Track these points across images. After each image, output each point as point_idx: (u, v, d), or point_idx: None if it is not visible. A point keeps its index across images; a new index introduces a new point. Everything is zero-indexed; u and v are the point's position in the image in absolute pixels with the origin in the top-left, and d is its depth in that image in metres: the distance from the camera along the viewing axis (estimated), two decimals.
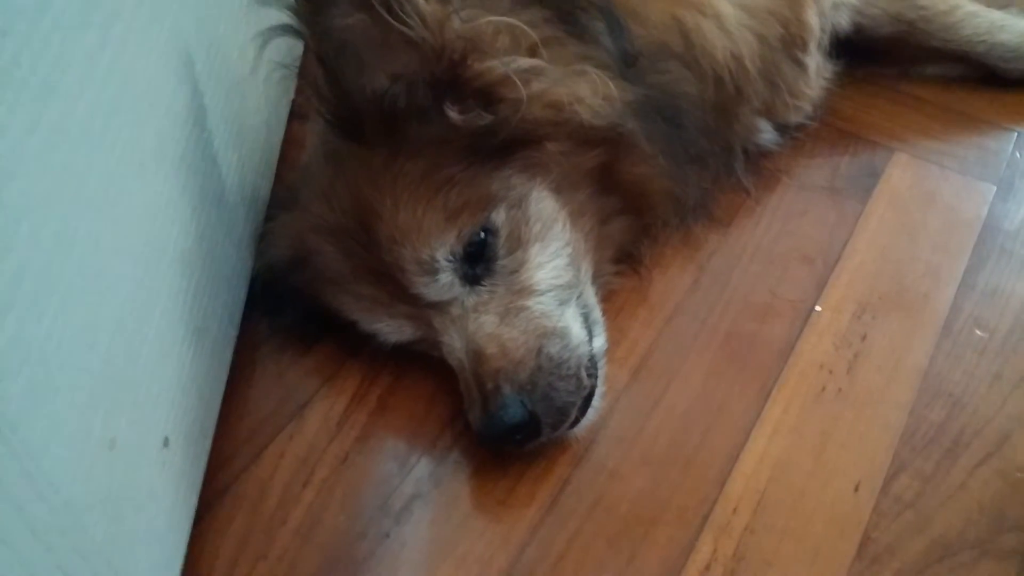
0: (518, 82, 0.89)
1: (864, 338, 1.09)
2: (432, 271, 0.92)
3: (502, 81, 0.90)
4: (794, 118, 1.28)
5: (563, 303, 0.96)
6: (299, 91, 1.22)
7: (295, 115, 1.27)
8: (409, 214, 0.90)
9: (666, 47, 1.08)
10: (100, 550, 0.64)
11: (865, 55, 1.35)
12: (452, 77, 0.89)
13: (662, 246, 1.16)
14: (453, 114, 0.91)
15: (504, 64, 0.89)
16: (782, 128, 1.28)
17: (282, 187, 1.15)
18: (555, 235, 0.96)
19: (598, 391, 0.98)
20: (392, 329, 0.98)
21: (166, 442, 0.77)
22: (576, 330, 0.96)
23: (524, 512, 0.94)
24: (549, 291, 0.95)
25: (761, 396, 1.03)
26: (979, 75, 1.39)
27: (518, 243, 0.94)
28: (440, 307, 0.94)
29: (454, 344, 0.94)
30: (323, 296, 1.00)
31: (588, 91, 0.95)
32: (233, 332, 1.00)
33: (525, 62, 0.90)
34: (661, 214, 1.11)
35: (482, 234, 0.93)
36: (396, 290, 0.94)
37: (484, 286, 0.94)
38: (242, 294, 1.02)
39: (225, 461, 0.96)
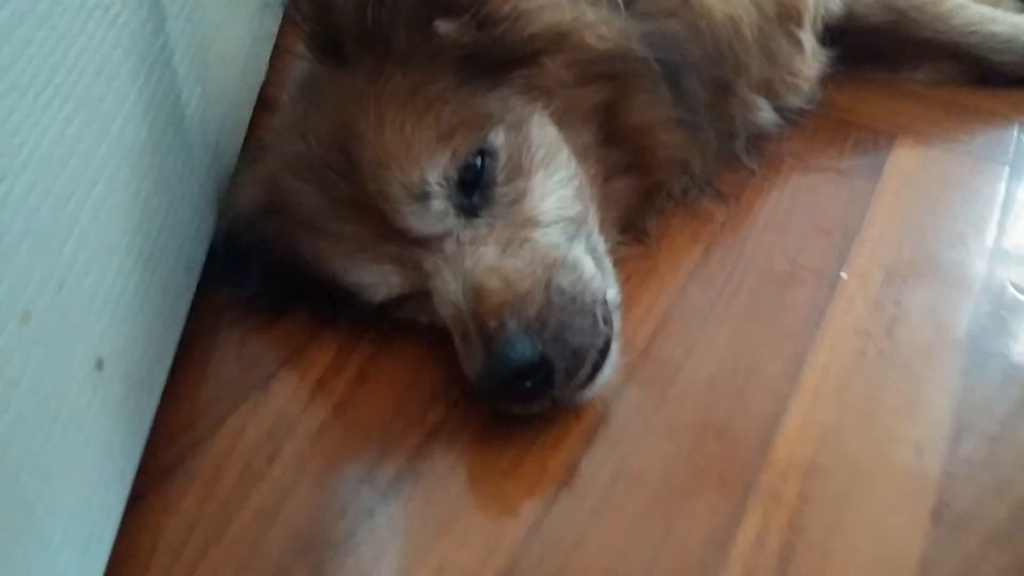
0: None
1: (898, 303, 0.98)
2: (422, 197, 0.79)
3: None
4: (793, 99, 1.21)
5: (572, 238, 0.84)
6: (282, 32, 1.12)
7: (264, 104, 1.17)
8: (396, 132, 0.78)
9: (663, 4, 1.00)
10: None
11: (859, 50, 1.31)
12: None
13: (668, 218, 1.06)
14: (444, 28, 0.81)
15: None
16: (781, 110, 1.21)
17: (254, 143, 1.03)
18: (560, 163, 0.85)
19: (614, 344, 0.84)
20: (376, 278, 0.84)
21: (99, 364, 0.62)
22: (588, 264, 0.83)
23: (534, 485, 0.78)
24: (556, 222, 0.83)
25: (794, 360, 0.91)
26: (974, 75, 1.34)
27: (519, 170, 0.83)
28: (432, 243, 0.81)
29: (448, 286, 0.80)
30: (297, 245, 0.86)
31: (592, 14, 0.87)
32: (189, 285, 0.85)
33: None
34: (666, 176, 1.01)
35: (479, 158, 0.81)
36: (381, 226, 0.81)
37: (482, 218, 0.82)
38: (202, 247, 0.88)
39: (174, 434, 0.80)
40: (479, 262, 0.79)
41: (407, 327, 0.91)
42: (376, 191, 0.79)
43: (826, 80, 1.25)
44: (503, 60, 0.82)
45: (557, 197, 0.84)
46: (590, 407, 0.85)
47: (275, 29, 1.16)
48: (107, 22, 0.64)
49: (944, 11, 1.30)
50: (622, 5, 0.91)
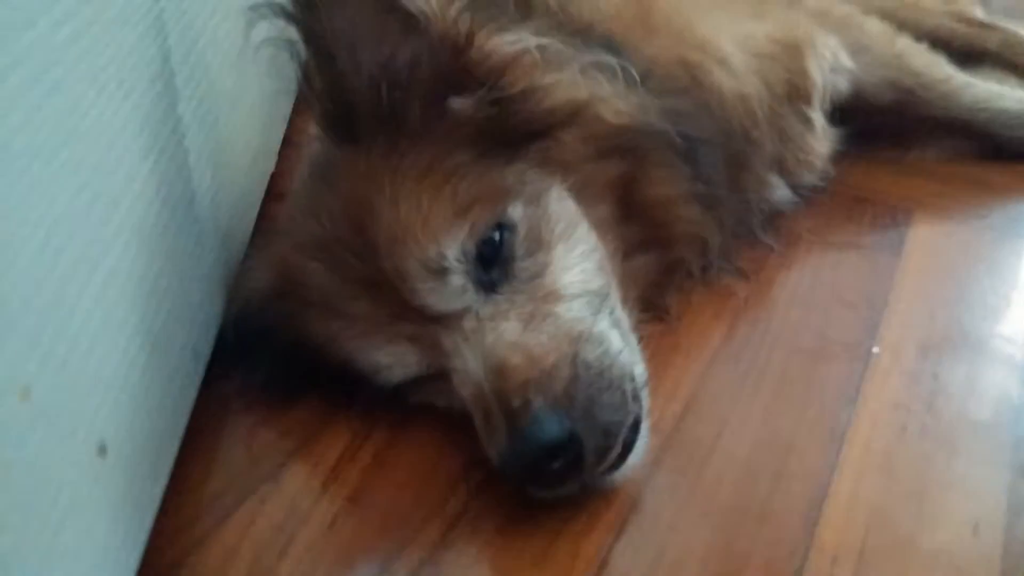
0: (531, 60, 0.79)
1: (936, 377, 0.94)
2: (440, 273, 0.76)
3: (513, 62, 0.80)
4: (806, 177, 1.20)
5: (596, 312, 0.80)
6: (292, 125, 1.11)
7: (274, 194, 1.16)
8: (411, 207, 0.76)
9: (673, 80, 1.00)
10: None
11: (869, 129, 1.30)
12: (456, 61, 0.79)
13: (689, 296, 1.03)
14: (458, 104, 0.80)
15: (514, 42, 0.80)
16: (795, 188, 1.20)
17: (264, 231, 1.01)
18: (581, 236, 0.83)
19: (644, 423, 0.80)
20: (392, 359, 0.80)
21: (102, 450, 0.58)
22: (615, 338, 0.79)
23: (567, 575, 0.73)
24: (579, 296, 0.80)
25: (833, 438, 0.86)
26: (985, 151, 1.34)
27: (539, 243, 0.80)
28: (450, 321, 0.78)
29: (468, 365, 0.77)
30: (310, 328, 0.83)
31: (608, 89, 0.86)
32: (197, 371, 0.81)
33: (536, 40, 0.81)
34: (685, 253, 0.99)
35: (497, 232, 0.78)
36: (397, 305, 0.78)
37: (502, 294, 0.79)
38: (210, 333, 0.85)
39: (179, 530, 0.75)
40: (500, 338, 0.76)
41: (424, 412, 0.87)
42: (392, 268, 0.76)
43: (838, 158, 1.24)
44: (519, 134, 0.81)
45: (580, 270, 0.81)
46: (620, 491, 0.80)
47: (286, 117, 1.16)
48: (120, 96, 0.62)
49: (952, 89, 1.30)
50: (637, 82, 0.90)
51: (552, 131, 0.82)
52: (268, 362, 0.86)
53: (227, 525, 0.76)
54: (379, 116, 0.78)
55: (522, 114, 0.80)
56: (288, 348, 0.85)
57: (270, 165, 1.08)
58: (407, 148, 0.78)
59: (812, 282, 1.09)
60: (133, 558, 0.65)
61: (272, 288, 0.85)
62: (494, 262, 0.78)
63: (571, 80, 0.85)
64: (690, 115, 0.97)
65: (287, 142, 1.21)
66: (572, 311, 0.79)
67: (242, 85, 0.97)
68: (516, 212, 0.79)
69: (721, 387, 0.93)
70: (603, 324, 0.79)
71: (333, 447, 0.84)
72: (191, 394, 0.80)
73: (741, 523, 0.78)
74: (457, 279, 0.77)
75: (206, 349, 0.84)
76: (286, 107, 1.17)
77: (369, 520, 0.77)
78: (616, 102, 0.86)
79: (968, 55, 1.44)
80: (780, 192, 1.18)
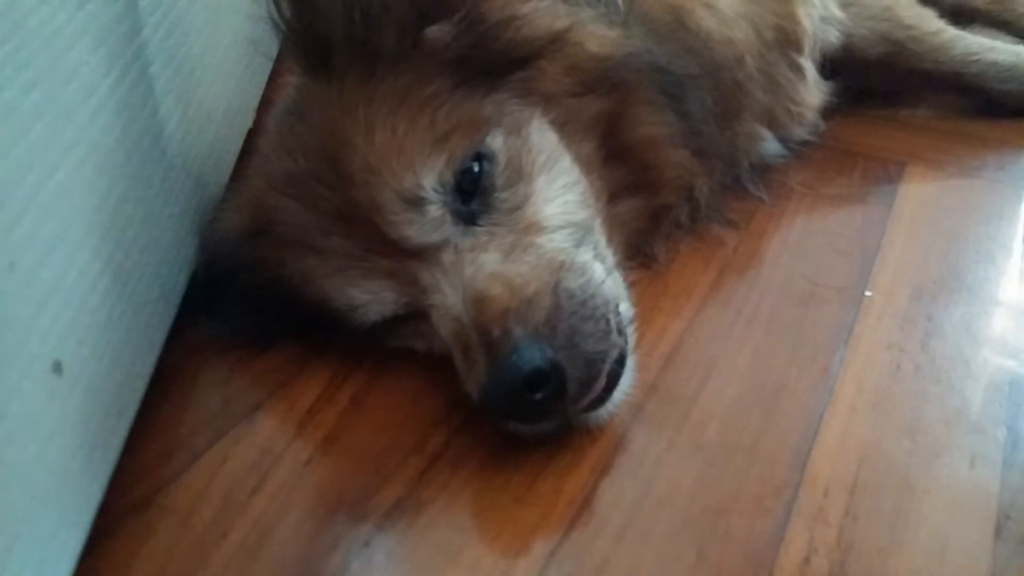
0: None
1: (930, 318, 0.92)
2: (417, 203, 0.74)
3: None
4: (797, 130, 1.18)
5: (579, 244, 0.78)
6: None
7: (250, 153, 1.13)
8: (387, 136, 0.74)
9: (658, 22, 0.98)
10: None
11: (859, 84, 1.28)
12: None
13: (677, 244, 1.01)
14: (435, 32, 0.78)
15: None
16: (785, 141, 1.17)
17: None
18: (563, 169, 0.80)
19: (630, 359, 0.78)
20: (369, 296, 0.78)
21: (57, 367, 0.55)
22: (598, 269, 0.77)
23: (549, 511, 0.70)
24: (561, 228, 0.77)
25: (825, 378, 0.84)
26: (978, 107, 1.32)
27: (519, 174, 0.77)
28: (428, 255, 0.75)
29: (447, 300, 0.74)
30: (284, 267, 0.80)
31: (590, 19, 0.84)
32: (167, 311, 0.79)
33: None
34: (672, 199, 0.96)
35: (476, 162, 0.76)
36: (373, 239, 0.75)
37: (481, 225, 0.76)
38: (181, 276, 0.82)
39: (148, 470, 0.72)
40: (480, 269, 0.73)
41: (403, 357, 0.84)
42: (367, 199, 0.74)
43: (829, 113, 1.22)
44: (499, 63, 0.78)
45: (562, 202, 0.79)
46: (606, 430, 0.78)
47: (266, 74, 1.13)
48: (73, 4, 0.59)
49: (942, 41, 1.28)
50: (622, 15, 0.88)
51: (532, 60, 0.79)
52: (242, 306, 0.84)
53: (198, 465, 0.73)
54: (353, 45, 0.76)
55: (500, 42, 0.78)
56: (262, 289, 0.82)
57: (246, 123, 1.06)
58: (382, 77, 0.75)
59: (803, 231, 1.06)
60: (95, 488, 0.62)
61: (245, 228, 0.83)
62: (473, 193, 0.76)
63: (551, 9, 0.83)
64: (676, 57, 0.95)
65: (267, 102, 1.19)
66: (554, 242, 0.76)
67: (216, 30, 0.95)
68: (496, 142, 0.77)
69: (710, 330, 0.90)
70: (586, 255, 0.77)
71: (309, 391, 0.81)
72: (160, 335, 0.77)
73: (730, 459, 0.75)
74: (434, 209, 0.74)
75: (177, 292, 0.81)
76: (266, 65, 1.14)
77: (346, 458, 0.74)
78: (599, 33, 0.84)
79: (958, 14, 1.42)
80: (770, 145, 1.15)
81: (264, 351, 0.86)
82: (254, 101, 1.10)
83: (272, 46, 1.06)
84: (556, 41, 0.80)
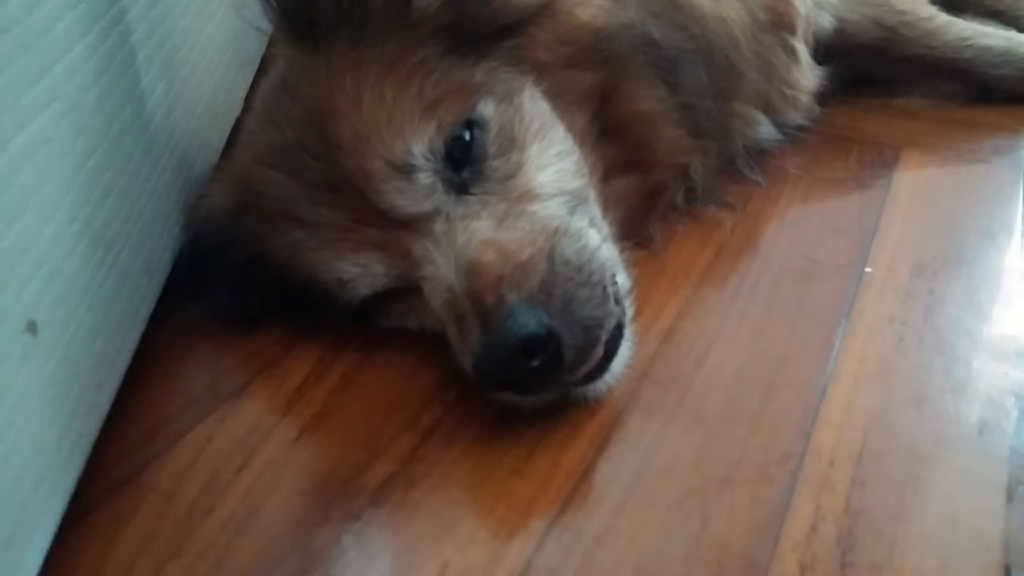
0: None
1: (932, 292, 0.90)
2: (406, 171, 0.72)
3: None
4: (791, 114, 1.16)
5: (573, 212, 0.76)
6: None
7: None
8: (375, 103, 0.72)
9: (652, 2, 0.97)
10: None
11: (853, 71, 1.27)
12: None
13: (673, 225, 0.99)
14: (423, 3, 0.76)
15: None
16: (780, 126, 1.16)
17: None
18: (556, 137, 0.79)
19: (628, 329, 0.76)
20: (358, 269, 0.76)
21: (32, 327, 0.53)
22: (594, 236, 0.75)
23: (547, 483, 0.68)
24: (555, 195, 0.76)
25: (826, 351, 0.82)
26: (972, 94, 1.30)
27: (512, 142, 0.76)
28: (419, 225, 0.73)
29: (439, 271, 0.72)
30: (271, 242, 0.78)
31: None
32: (150, 287, 0.76)
33: None
34: (666, 177, 0.95)
35: (467, 130, 0.74)
36: (361, 209, 0.74)
37: (474, 194, 0.74)
38: (166, 254, 0.80)
39: (131, 448, 0.70)
40: (472, 237, 0.71)
41: (395, 336, 0.82)
42: (355, 168, 0.72)
43: (824, 100, 1.21)
44: (488, 31, 0.77)
45: (555, 170, 0.77)
46: (604, 404, 0.75)
47: (254, 67, 1.12)
48: None
49: (935, 27, 1.27)
50: None
51: (522, 28, 0.78)
52: (229, 285, 0.82)
53: (182, 443, 0.71)
54: (340, 14, 0.74)
55: (489, 10, 0.76)
56: (249, 266, 0.80)
57: (234, 109, 1.04)
58: (369, 45, 0.74)
59: (800, 211, 1.05)
60: (73, 461, 0.60)
61: (230, 205, 0.81)
62: (464, 161, 0.74)
63: None
64: (669, 35, 0.94)
65: (253, 90, 1.17)
66: (548, 209, 0.74)
67: (202, 14, 0.93)
68: (487, 109, 0.75)
69: (708, 307, 0.88)
70: (581, 222, 0.75)
71: (298, 370, 0.79)
72: (143, 311, 0.75)
73: (732, 431, 0.73)
74: (425, 177, 0.72)
75: (161, 270, 0.79)
76: (253, 60, 1.13)
77: (337, 436, 0.72)
78: (591, 2, 0.82)
79: (949, 4, 1.41)
80: (765, 129, 1.14)
81: (251, 332, 0.83)
82: (241, 93, 1.09)
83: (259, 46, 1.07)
84: (546, 8, 0.79)
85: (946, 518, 0.65)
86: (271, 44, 0.98)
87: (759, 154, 1.13)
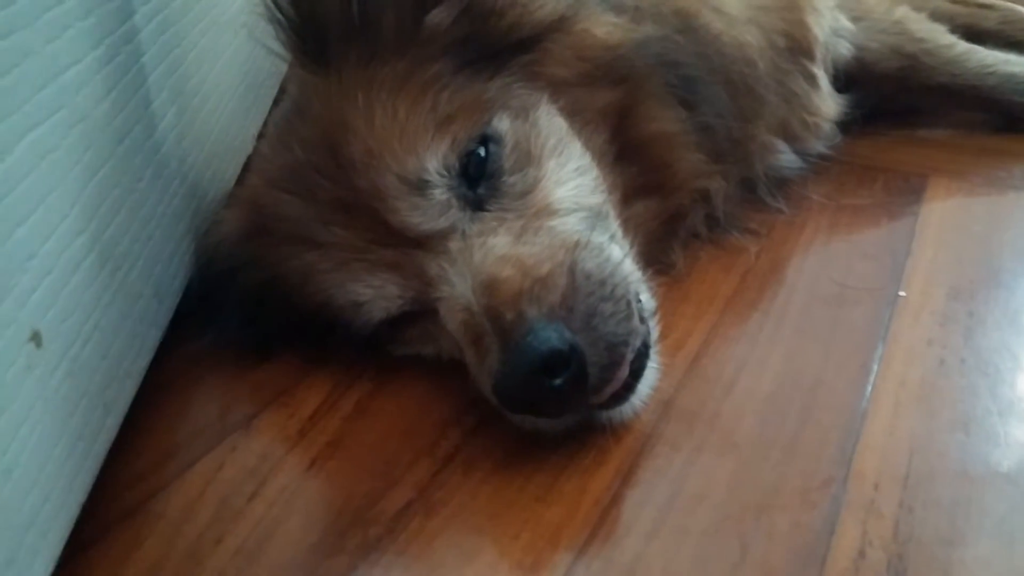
0: None
1: (971, 315, 0.86)
2: (420, 188, 0.70)
3: None
4: (813, 142, 1.14)
5: (593, 227, 0.73)
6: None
7: None
8: (388, 118, 0.70)
9: (667, 26, 0.96)
10: None
11: (874, 101, 1.25)
12: None
13: (695, 252, 0.96)
14: (435, 20, 0.75)
15: None
16: (802, 155, 1.14)
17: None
18: (573, 153, 0.77)
19: (653, 350, 0.72)
20: (373, 291, 0.73)
21: (36, 337, 0.50)
22: (615, 251, 0.72)
23: (574, 509, 0.64)
24: (574, 211, 0.73)
25: (864, 374, 0.79)
26: (996, 124, 1.28)
27: (528, 158, 0.74)
28: (434, 243, 0.71)
29: (455, 290, 0.69)
30: (283, 266, 0.76)
31: (596, 8, 0.81)
32: (159, 311, 0.74)
33: None
34: (686, 202, 0.92)
35: (482, 146, 0.72)
36: (375, 228, 0.71)
37: (490, 211, 0.72)
38: (176, 281, 0.78)
39: (140, 477, 0.67)
40: (489, 253, 0.69)
41: (409, 364, 0.79)
42: (368, 186, 0.70)
43: (846, 127, 1.19)
44: (502, 46, 0.75)
45: (574, 185, 0.75)
46: (631, 429, 0.72)
47: (268, 104, 1.11)
48: None
49: (956, 54, 1.25)
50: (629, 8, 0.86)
51: (536, 44, 0.77)
52: (241, 312, 0.79)
53: (192, 472, 0.68)
54: (351, 32, 0.73)
55: (502, 25, 0.75)
56: (262, 292, 0.78)
57: (246, 144, 1.03)
58: (381, 62, 0.72)
59: (828, 238, 1.02)
60: (78, 484, 0.57)
61: (242, 229, 0.79)
62: (480, 177, 0.72)
63: None
64: (686, 56, 0.92)
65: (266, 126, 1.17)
66: (567, 224, 0.72)
67: (213, 43, 0.93)
68: (502, 124, 0.73)
69: (736, 333, 0.85)
70: (602, 237, 0.73)
71: (311, 399, 0.76)
72: (152, 335, 0.72)
73: (768, 455, 0.69)
74: (439, 194, 0.70)
75: (172, 296, 0.77)
76: (268, 92, 1.12)
77: (351, 463, 0.69)
78: (606, 19, 0.81)
79: (968, 36, 1.40)
80: (786, 157, 1.11)
81: (263, 362, 0.81)
82: (254, 127, 1.08)
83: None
84: (560, 24, 0.77)
85: (1003, 541, 0.61)
86: (286, 78, 0.98)
87: (781, 182, 1.10)
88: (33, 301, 0.51)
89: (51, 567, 0.53)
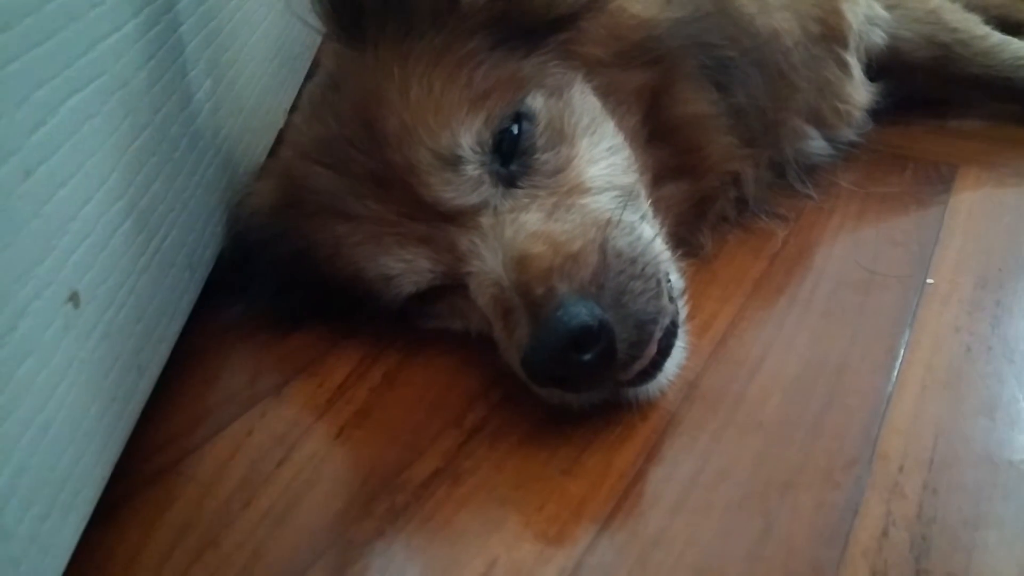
0: None
1: (999, 303, 0.86)
2: (453, 163, 0.70)
3: None
4: (844, 130, 1.14)
5: (624, 206, 0.73)
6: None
7: None
8: (423, 93, 0.71)
9: (701, 10, 0.95)
10: None
11: (906, 90, 1.24)
12: None
13: (724, 236, 0.96)
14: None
15: None
16: (832, 141, 1.13)
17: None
18: (606, 132, 0.77)
19: (682, 329, 0.73)
20: (403, 265, 0.74)
21: (74, 298, 0.51)
22: (647, 230, 0.72)
23: (599, 482, 0.65)
24: (606, 190, 0.73)
25: (890, 359, 0.79)
26: None
27: (561, 136, 0.74)
28: (466, 218, 0.71)
29: (486, 265, 0.70)
30: (315, 238, 0.77)
31: None
32: (192, 279, 0.75)
33: None
34: (717, 184, 0.92)
35: (516, 123, 0.73)
36: (407, 202, 0.72)
37: (522, 187, 0.72)
38: (208, 251, 0.79)
39: (171, 439, 0.68)
40: (521, 229, 0.69)
41: (438, 337, 0.80)
42: (401, 160, 0.71)
43: (876, 118, 1.18)
44: (538, 24, 0.76)
45: (606, 164, 0.75)
46: (657, 406, 0.72)
47: (296, 85, 1.12)
48: None
49: (990, 45, 1.24)
50: None
51: (572, 22, 0.77)
52: (272, 283, 0.80)
53: (222, 436, 0.69)
54: (387, 6, 0.73)
55: (538, 4, 0.75)
56: (293, 263, 0.79)
57: (279, 119, 1.04)
58: (418, 36, 0.73)
59: (856, 224, 1.02)
60: (112, 444, 0.58)
61: (274, 201, 0.80)
62: (512, 154, 0.72)
63: None
64: (719, 39, 0.92)
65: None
66: (599, 203, 0.72)
67: (249, 17, 0.94)
68: (536, 102, 0.74)
69: (763, 315, 0.85)
70: (633, 216, 0.73)
71: (339, 368, 0.77)
72: (185, 302, 0.74)
73: (793, 435, 0.70)
74: (472, 169, 0.71)
75: (204, 265, 0.78)
76: (302, 67, 1.13)
77: (379, 432, 0.70)
78: None
79: (1002, 27, 1.38)
80: (816, 144, 1.11)
81: (293, 332, 0.82)
82: (287, 100, 1.09)
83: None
84: (596, 2, 0.78)
85: None
86: (319, 52, 0.99)
87: (811, 168, 1.10)
88: (72, 262, 0.52)
89: (83, 524, 0.55)
